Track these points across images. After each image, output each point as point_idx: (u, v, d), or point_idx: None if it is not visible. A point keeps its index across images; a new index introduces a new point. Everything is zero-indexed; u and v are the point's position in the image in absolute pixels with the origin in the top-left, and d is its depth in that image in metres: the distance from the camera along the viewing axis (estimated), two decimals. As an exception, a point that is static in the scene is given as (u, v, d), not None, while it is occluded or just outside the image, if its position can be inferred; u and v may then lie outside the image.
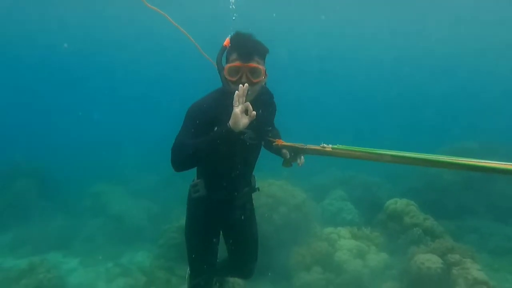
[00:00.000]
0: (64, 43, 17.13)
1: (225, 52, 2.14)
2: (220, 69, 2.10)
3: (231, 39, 2.10)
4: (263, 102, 2.19)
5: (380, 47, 20.62)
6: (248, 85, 1.93)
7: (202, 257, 2.37)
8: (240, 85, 1.82)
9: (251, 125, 1.95)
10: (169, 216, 5.79)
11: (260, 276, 3.87)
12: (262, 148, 2.38)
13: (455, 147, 7.42)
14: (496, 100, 18.93)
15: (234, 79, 1.99)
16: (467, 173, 7.10)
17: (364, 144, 2.08)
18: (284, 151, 2.16)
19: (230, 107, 1.88)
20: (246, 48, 2.03)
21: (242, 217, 2.41)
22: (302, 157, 2.16)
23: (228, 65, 2.03)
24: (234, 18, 2.71)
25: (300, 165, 2.13)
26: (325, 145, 2.00)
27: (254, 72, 2.00)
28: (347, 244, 4.45)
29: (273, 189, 4.87)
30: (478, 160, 1.47)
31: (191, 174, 2.35)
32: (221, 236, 2.45)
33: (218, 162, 2.13)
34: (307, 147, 2.10)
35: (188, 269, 2.61)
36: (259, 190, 2.46)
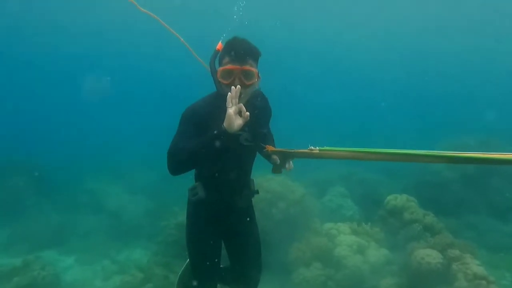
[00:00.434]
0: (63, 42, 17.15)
1: (218, 56, 2.17)
2: (213, 72, 2.13)
3: (224, 43, 2.13)
4: (257, 105, 2.21)
5: (376, 44, 20.65)
6: (241, 87, 1.95)
7: (205, 262, 2.33)
8: (233, 87, 1.85)
9: (246, 127, 1.97)
10: (167, 213, 5.72)
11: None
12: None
13: (451, 143, 7.43)
14: (492, 96, 19.07)
15: (227, 82, 2.01)
16: (466, 171, 7.12)
17: (361, 142, 2.13)
18: (274, 157, 2.17)
19: (224, 109, 1.90)
20: (239, 51, 2.05)
21: (243, 222, 2.40)
22: (291, 162, 2.20)
23: (221, 68, 2.06)
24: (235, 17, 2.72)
25: (289, 169, 2.18)
26: (312, 147, 2.05)
27: (247, 74, 2.03)
28: (347, 240, 4.42)
29: (272, 185, 4.83)
30: (459, 152, 1.58)
31: (190, 172, 2.35)
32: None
33: (215, 164, 2.15)
34: (295, 151, 2.15)
35: (182, 268, 2.64)
36: (258, 193, 2.46)
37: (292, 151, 2.16)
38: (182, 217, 4.83)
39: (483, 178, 6.43)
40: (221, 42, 2.20)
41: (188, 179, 2.35)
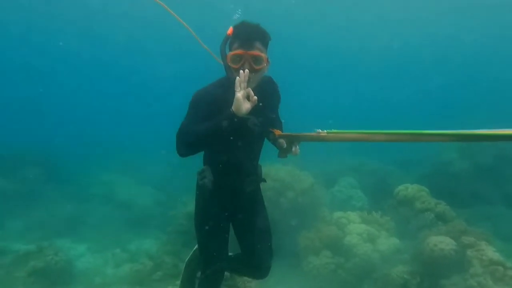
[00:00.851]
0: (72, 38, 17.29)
1: (229, 41, 2.20)
2: (223, 57, 2.15)
3: (234, 28, 2.15)
4: (266, 90, 2.22)
5: (383, 38, 20.31)
6: (250, 72, 1.98)
7: (212, 245, 2.33)
8: (241, 71, 1.87)
9: (255, 111, 1.97)
10: (177, 203, 5.78)
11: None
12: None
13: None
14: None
15: (236, 66, 2.04)
16: (479, 160, 6.95)
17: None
18: (281, 140, 2.17)
19: (233, 93, 1.92)
20: (248, 35, 2.08)
21: (251, 205, 2.40)
22: (297, 146, 2.20)
23: (231, 53, 2.08)
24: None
25: (295, 154, 2.17)
26: (319, 130, 2.05)
27: (256, 59, 2.06)
28: (357, 229, 4.37)
29: (281, 174, 4.80)
30: (467, 131, 1.55)
31: (199, 162, 2.37)
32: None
33: (223, 148, 2.16)
34: (302, 134, 2.14)
35: (189, 255, 2.63)
36: (265, 181, 2.46)
37: (299, 134, 2.15)
38: (191, 207, 4.84)
39: (497, 168, 6.26)
40: (232, 27, 2.21)
41: (198, 168, 2.36)
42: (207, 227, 2.32)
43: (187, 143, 2.09)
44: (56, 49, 19.27)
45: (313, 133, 2.11)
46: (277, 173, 4.78)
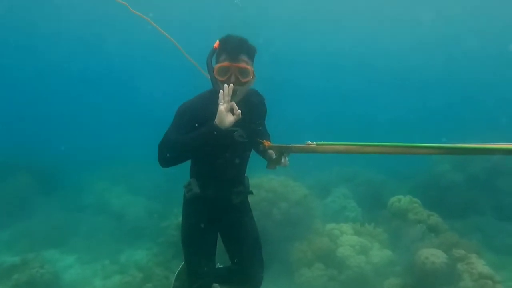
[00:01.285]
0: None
1: (215, 54, 2.23)
2: (210, 70, 2.18)
3: (220, 41, 2.18)
4: (253, 102, 2.25)
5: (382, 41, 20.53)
6: (237, 84, 2.02)
7: (198, 260, 2.31)
8: (225, 85, 1.89)
9: (241, 123, 1.99)
10: (169, 214, 5.72)
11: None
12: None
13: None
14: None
15: (223, 78, 2.06)
16: (472, 172, 7.03)
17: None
18: (270, 152, 2.20)
19: (218, 106, 1.95)
20: (235, 48, 2.11)
21: (238, 217, 2.38)
22: (286, 157, 2.22)
23: (218, 65, 2.12)
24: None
25: (285, 165, 2.20)
26: (309, 142, 2.07)
27: (242, 72, 2.09)
28: (349, 240, 4.36)
29: (274, 184, 4.79)
30: (458, 144, 1.57)
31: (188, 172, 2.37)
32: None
33: (208, 159, 2.17)
34: (292, 146, 2.16)
35: (180, 267, 2.59)
36: (252, 193, 2.46)
37: (289, 146, 2.16)
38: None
39: (489, 179, 6.32)
40: (219, 40, 2.24)
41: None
42: (193, 241, 2.31)
43: (169, 153, 2.09)
44: (47, 56, 19.30)
45: (302, 145, 2.13)
46: (270, 184, 4.76)
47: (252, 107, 2.18)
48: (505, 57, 18.54)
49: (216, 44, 2.24)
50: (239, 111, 1.89)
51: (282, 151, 2.16)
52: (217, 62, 2.20)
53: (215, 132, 1.90)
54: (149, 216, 6.54)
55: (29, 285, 3.97)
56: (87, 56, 19.37)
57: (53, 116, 17.54)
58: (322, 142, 2.04)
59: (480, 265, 3.19)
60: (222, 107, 1.88)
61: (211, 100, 2.16)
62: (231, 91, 1.89)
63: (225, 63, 2.08)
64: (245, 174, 2.45)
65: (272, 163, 2.21)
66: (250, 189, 2.45)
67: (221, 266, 2.49)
